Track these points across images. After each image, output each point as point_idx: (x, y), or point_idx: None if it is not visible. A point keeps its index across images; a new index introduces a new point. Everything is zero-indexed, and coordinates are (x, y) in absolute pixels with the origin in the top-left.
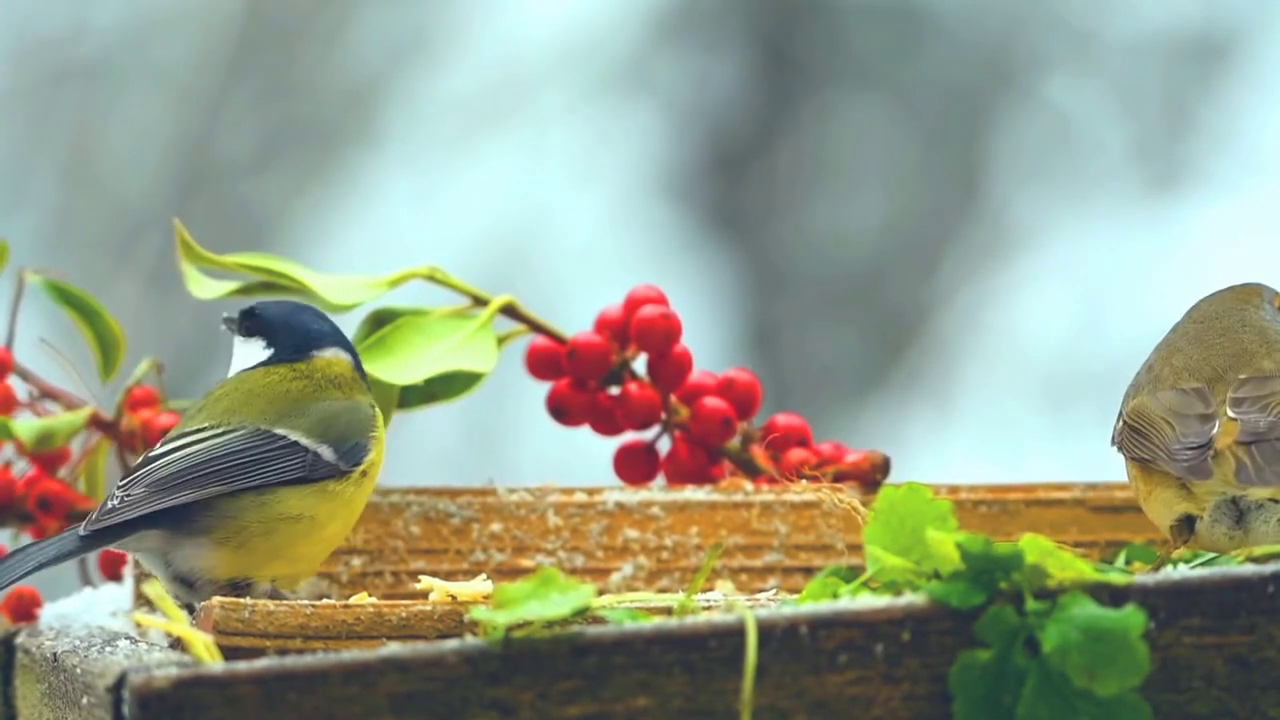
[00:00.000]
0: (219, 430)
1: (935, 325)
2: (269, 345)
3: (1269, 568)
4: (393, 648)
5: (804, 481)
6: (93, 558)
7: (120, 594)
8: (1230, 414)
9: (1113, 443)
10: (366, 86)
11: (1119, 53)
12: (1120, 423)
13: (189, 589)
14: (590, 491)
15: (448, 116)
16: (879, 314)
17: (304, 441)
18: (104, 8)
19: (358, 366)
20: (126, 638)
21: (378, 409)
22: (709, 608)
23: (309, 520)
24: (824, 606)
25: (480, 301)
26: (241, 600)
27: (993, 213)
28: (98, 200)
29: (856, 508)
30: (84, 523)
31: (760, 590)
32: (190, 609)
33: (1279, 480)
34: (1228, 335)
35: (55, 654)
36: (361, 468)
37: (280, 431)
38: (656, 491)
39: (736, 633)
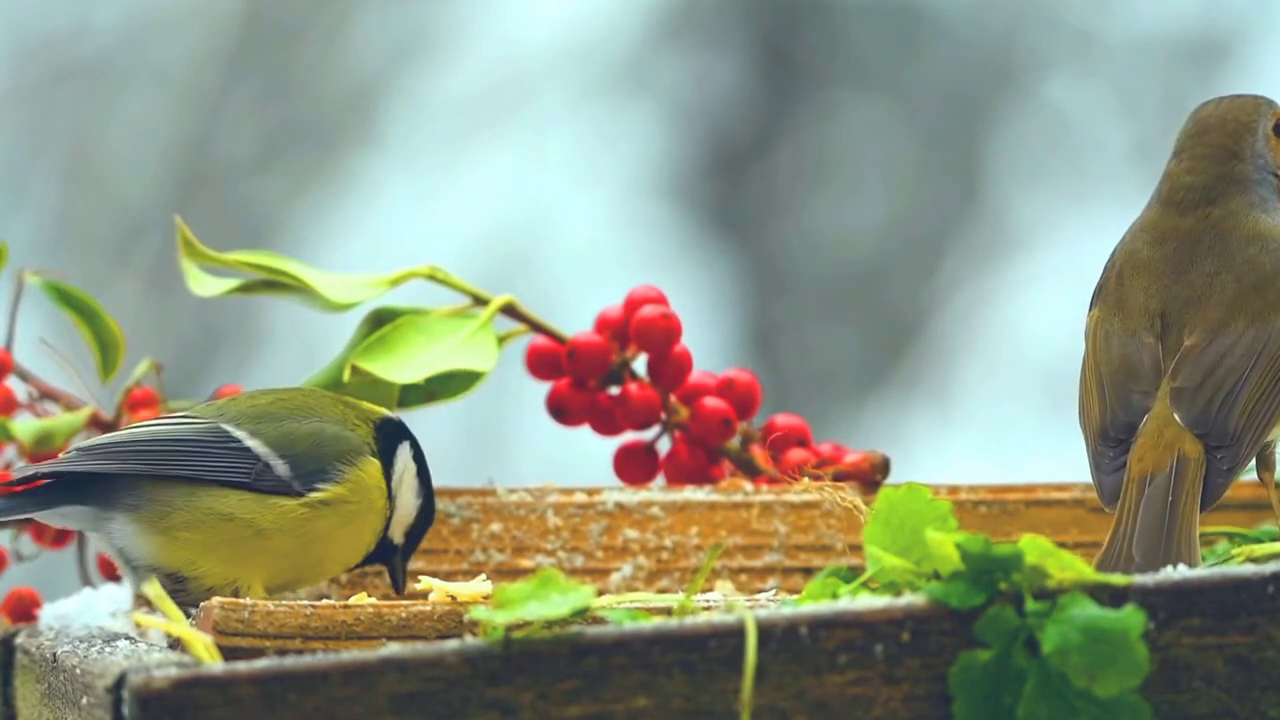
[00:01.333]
0: (183, 419)
1: (935, 325)
2: None
3: (1269, 568)
4: (393, 648)
5: (806, 480)
6: (92, 558)
7: (120, 594)
8: (1170, 406)
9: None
10: (366, 86)
11: (1119, 53)
12: (1088, 321)
13: (133, 571)
14: (590, 491)
15: (448, 116)
16: (879, 314)
17: (257, 449)
18: (104, 8)
19: (389, 429)
20: (126, 638)
21: (376, 457)
22: (709, 608)
23: (245, 524)
24: (824, 607)
25: (480, 301)
26: (241, 600)
27: (993, 213)
28: (98, 200)
29: (858, 505)
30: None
31: (760, 590)
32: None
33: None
34: (1196, 255)
35: (55, 654)
36: (320, 495)
37: (237, 434)
38: (656, 492)
39: (736, 633)
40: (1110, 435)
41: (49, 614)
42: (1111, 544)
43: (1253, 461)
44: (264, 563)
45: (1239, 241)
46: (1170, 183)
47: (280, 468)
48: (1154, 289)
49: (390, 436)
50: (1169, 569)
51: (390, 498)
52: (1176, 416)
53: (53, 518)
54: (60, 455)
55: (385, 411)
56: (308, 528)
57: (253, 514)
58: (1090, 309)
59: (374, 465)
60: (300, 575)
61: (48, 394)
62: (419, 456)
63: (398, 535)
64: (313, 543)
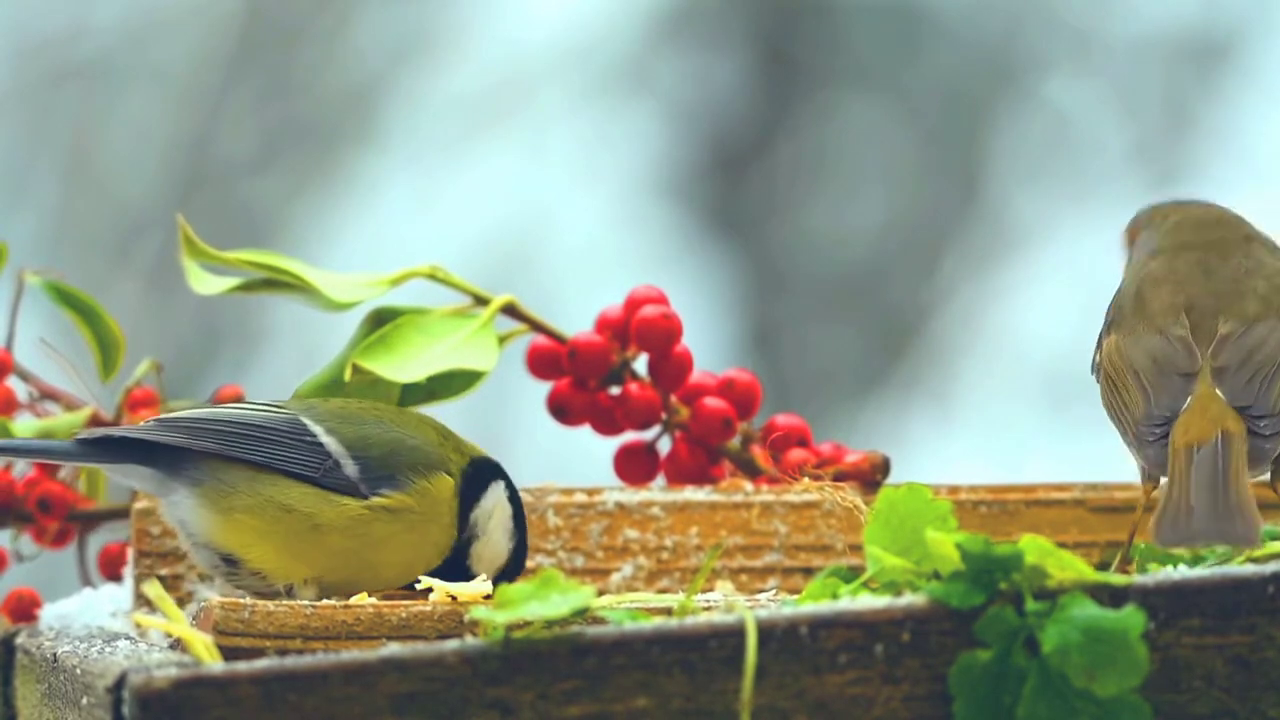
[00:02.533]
0: (268, 407)
1: (935, 325)
2: None
3: (1269, 568)
4: (393, 648)
5: (807, 480)
6: (92, 558)
7: (120, 594)
8: (1212, 384)
9: (1092, 371)
10: (366, 86)
11: (1119, 53)
12: (1098, 356)
13: (192, 545)
14: (590, 491)
15: (448, 117)
16: (879, 314)
17: (330, 446)
18: (104, 8)
19: (485, 466)
20: (126, 638)
21: (458, 475)
22: (709, 608)
23: (304, 517)
24: (824, 606)
25: (481, 301)
26: (241, 600)
27: (993, 213)
28: (98, 200)
29: (859, 505)
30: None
31: (760, 590)
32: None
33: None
34: (1226, 255)
35: (55, 654)
36: (384, 501)
37: (314, 429)
38: (656, 491)
39: (736, 633)
40: (1155, 416)
41: (49, 614)
42: (1167, 504)
43: (1268, 468)
44: (317, 559)
45: (1264, 251)
46: (1170, 239)
47: (350, 468)
48: (1179, 290)
49: (484, 472)
50: (1173, 571)
51: (466, 522)
52: (1219, 393)
53: (118, 473)
54: (140, 424)
55: (484, 452)
56: (366, 529)
57: (313, 509)
58: (1099, 344)
59: (447, 481)
60: (356, 578)
61: (48, 394)
62: (515, 500)
63: (478, 567)
64: (370, 546)
